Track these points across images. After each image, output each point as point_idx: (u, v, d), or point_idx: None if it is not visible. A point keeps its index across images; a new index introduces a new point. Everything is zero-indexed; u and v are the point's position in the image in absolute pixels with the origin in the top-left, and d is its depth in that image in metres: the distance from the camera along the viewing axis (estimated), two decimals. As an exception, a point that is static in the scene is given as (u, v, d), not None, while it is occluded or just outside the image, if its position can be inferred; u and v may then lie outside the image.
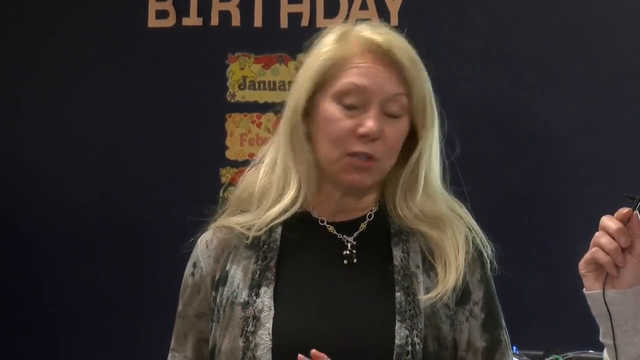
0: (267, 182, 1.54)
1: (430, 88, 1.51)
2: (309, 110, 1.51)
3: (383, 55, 1.48)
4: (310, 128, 1.51)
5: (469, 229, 1.55)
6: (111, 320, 3.25)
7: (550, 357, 2.63)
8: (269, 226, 1.51)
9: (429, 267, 1.50)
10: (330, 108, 1.48)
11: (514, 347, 2.68)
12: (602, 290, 1.39)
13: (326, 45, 1.51)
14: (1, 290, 3.33)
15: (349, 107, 1.47)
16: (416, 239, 1.52)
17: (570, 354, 2.63)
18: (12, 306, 3.32)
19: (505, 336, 1.53)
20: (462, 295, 1.50)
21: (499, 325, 1.52)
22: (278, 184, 1.53)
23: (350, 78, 1.47)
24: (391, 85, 1.47)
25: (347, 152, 1.47)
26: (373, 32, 1.50)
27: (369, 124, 1.45)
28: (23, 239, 3.34)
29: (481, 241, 1.55)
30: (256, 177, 1.56)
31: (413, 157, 1.51)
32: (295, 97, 1.52)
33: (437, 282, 1.49)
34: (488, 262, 1.55)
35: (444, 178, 1.57)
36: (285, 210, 1.51)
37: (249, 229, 1.51)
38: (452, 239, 1.51)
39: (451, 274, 1.48)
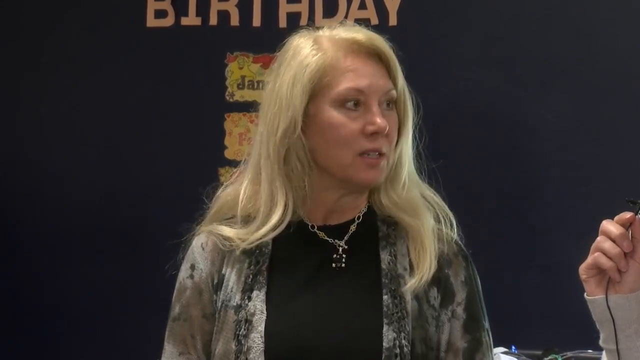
0: (254, 197, 1.53)
1: (402, 75, 1.53)
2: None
3: (368, 52, 1.49)
4: (304, 141, 1.50)
5: (442, 217, 1.55)
6: (111, 320, 3.25)
7: (549, 357, 2.64)
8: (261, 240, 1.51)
9: (415, 269, 1.51)
10: (332, 115, 1.48)
11: (513, 347, 2.69)
12: (605, 296, 1.39)
13: (307, 57, 1.49)
14: (1, 290, 3.33)
15: (351, 110, 1.48)
16: (403, 241, 1.52)
17: (569, 354, 2.64)
18: (12, 306, 3.32)
19: (487, 337, 1.53)
20: (446, 296, 1.51)
21: (480, 327, 1.52)
22: (265, 205, 1.52)
23: (348, 83, 1.47)
24: (384, 80, 1.49)
25: (359, 153, 1.48)
26: (348, 31, 1.51)
27: (378, 121, 1.46)
28: (23, 239, 3.34)
29: (450, 224, 1.55)
30: (239, 186, 1.55)
31: (398, 149, 1.51)
32: (285, 118, 1.49)
33: (416, 267, 1.50)
34: (472, 263, 1.56)
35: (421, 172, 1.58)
36: (274, 228, 1.51)
37: (243, 241, 1.51)
38: (428, 226, 1.52)
39: (426, 259, 1.49)
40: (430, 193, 1.56)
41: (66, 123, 3.32)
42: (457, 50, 3.13)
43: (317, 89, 1.49)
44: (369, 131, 1.47)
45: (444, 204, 1.57)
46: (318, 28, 1.55)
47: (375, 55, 1.49)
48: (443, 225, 1.55)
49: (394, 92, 1.50)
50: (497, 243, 3.03)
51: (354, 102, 1.48)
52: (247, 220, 1.53)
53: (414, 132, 1.55)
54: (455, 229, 1.56)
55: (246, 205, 1.54)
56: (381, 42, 1.50)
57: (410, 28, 3.13)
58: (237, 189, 1.56)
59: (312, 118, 1.49)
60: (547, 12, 3.09)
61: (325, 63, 1.48)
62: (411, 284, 1.47)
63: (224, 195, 1.57)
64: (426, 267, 1.49)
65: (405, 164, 1.53)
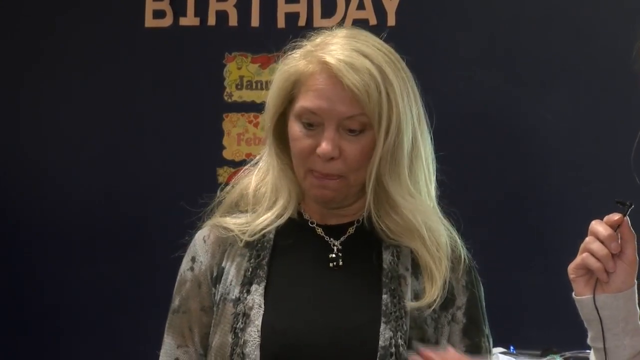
0: (262, 186, 1.56)
1: (395, 97, 1.47)
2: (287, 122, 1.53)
3: (335, 77, 1.46)
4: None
5: (448, 235, 1.55)
6: (111, 320, 3.25)
7: (548, 357, 2.64)
8: (262, 232, 1.53)
9: (419, 271, 1.52)
10: (293, 126, 1.50)
11: (511, 347, 2.68)
12: (592, 296, 1.39)
13: (290, 63, 1.51)
14: (1, 290, 3.34)
15: (307, 127, 1.48)
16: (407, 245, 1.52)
17: (568, 354, 2.63)
18: (12, 306, 3.33)
19: (487, 343, 1.54)
20: (447, 300, 1.51)
21: (480, 332, 1.54)
22: (271, 191, 1.55)
23: (305, 101, 1.48)
24: (345, 106, 1.46)
25: (309, 170, 1.49)
26: (333, 50, 1.47)
27: (323, 145, 1.46)
28: (23, 239, 3.34)
29: (461, 245, 1.55)
30: (250, 179, 1.58)
31: (370, 171, 1.49)
32: (267, 115, 1.54)
33: (424, 288, 1.50)
34: (474, 269, 1.56)
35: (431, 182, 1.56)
36: (279, 216, 1.53)
37: (243, 233, 1.53)
38: (435, 252, 1.51)
39: (436, 287, 1.49)
40: (435, 217, 1.54)
41: (65, 123, 3.32)
42: (457, 50, 3.12)
43: (292, 97, 1.50)
44: (316, 153, 1.47)
45: (450, 226, 1.56)
46: (334, 28, 1.54)
47: (341, 82, 1.46)
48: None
49: (359, 117, 1.46)
50: (497, 243, 3.02)
51: (308, 121, 1.48)
52: (253, 212, 1.55)
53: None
54: (464, 245, 1.56)
55: (253, 198, 1.56)
56: (350, 71, 1.45)
57: (410, 28, 3.12)
58: (247, 183, 1.58)
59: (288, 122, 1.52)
60: (547, 12, 3.08)
61: (298, 75, 1.49)
62: (415, 306, 1.48)
63: (234, 189, 1.59)
64: (435, 296, 1.49)
65: (398, 189, 1.49)
